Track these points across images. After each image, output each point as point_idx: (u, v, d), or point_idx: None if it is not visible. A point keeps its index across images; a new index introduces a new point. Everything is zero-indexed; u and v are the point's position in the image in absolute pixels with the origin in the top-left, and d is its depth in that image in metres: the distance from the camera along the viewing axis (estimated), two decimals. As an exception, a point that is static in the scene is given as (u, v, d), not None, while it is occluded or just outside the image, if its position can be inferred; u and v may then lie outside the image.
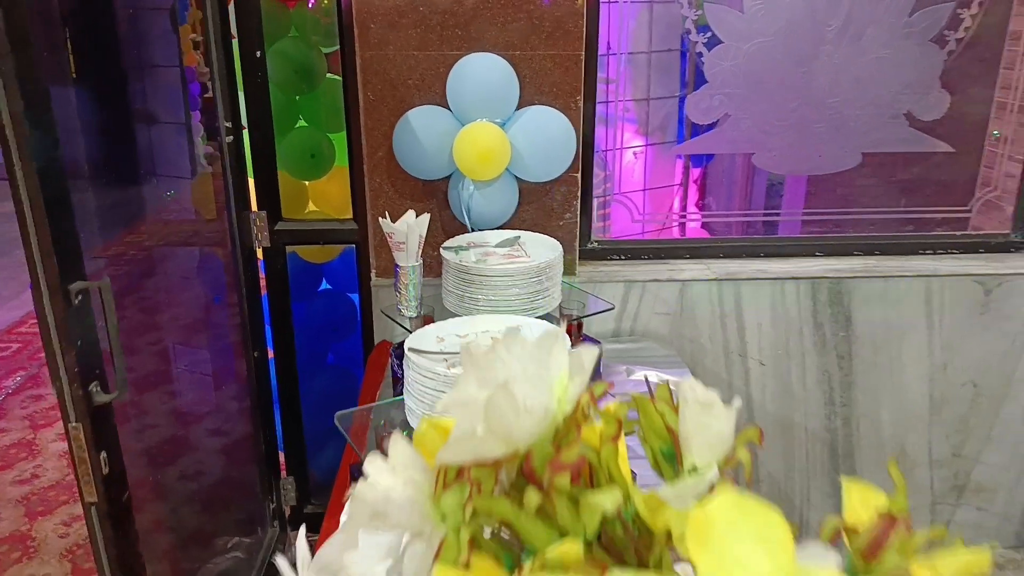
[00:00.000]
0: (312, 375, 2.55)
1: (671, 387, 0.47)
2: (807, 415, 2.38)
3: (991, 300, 2.31)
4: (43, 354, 3.67)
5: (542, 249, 1.89)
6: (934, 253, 2.39)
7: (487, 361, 0.43)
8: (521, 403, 0.40)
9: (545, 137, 1.97)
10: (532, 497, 0.40)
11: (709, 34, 2.21)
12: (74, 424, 1.33)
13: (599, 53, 2.17)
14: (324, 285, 2.64)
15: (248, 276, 2.23)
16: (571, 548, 0.38)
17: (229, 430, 2.17)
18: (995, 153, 2.45)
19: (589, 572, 0.36)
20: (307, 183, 2.49)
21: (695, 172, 3.04)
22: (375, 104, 2.02)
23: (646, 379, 0.62)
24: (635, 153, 2.54)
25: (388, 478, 0.43)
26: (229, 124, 2.06)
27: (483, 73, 1.92)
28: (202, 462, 2.04)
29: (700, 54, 2.24)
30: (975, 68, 2.37)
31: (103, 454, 1.38)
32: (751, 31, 2.19)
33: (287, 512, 2.57)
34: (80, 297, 1.30)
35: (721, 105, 2.27)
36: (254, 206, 2.25)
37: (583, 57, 2.03)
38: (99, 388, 1.35)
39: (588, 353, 0.44)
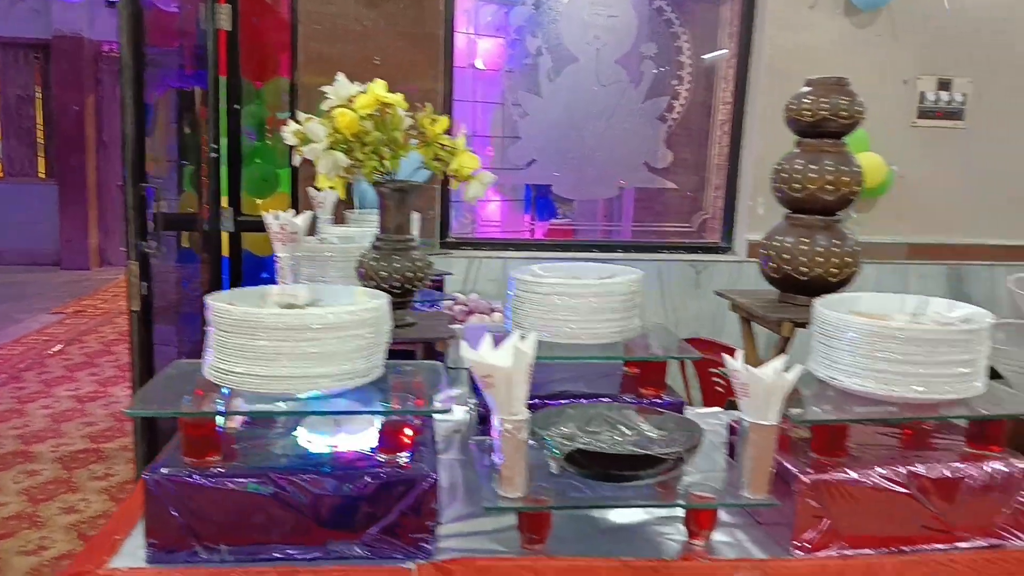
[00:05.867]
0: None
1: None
2: (588, 352, 3.58)
3: (701, 278, 3.63)
4: (22, 391, 4.49)
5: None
6: (668, 252, 3.71)
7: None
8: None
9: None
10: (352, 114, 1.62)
11: (523, 108, 3.59)
12: (132, 261, 2.44)
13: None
14: (264, 275, 3.78)
15: (216, 248, 3.37)
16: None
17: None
18: (707, 192, 3.85)
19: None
20: (258, 200, 3.69)
21: (541, 225, 4.38)
22: (309, 136, 3.27)
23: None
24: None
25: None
26: (216, 146, 3.28)
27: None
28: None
29: (516, 121, 3.61)
30: (691, 136, 3.81)
31: (143, 283, 2.48)
32: (546, 107, 3.59)
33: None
34: (143, 194, 2.45)
35: (529, 153, 3.62)
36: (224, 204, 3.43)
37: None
38: (145, 244, 2.48)
39: (396, 96, 1.67)
